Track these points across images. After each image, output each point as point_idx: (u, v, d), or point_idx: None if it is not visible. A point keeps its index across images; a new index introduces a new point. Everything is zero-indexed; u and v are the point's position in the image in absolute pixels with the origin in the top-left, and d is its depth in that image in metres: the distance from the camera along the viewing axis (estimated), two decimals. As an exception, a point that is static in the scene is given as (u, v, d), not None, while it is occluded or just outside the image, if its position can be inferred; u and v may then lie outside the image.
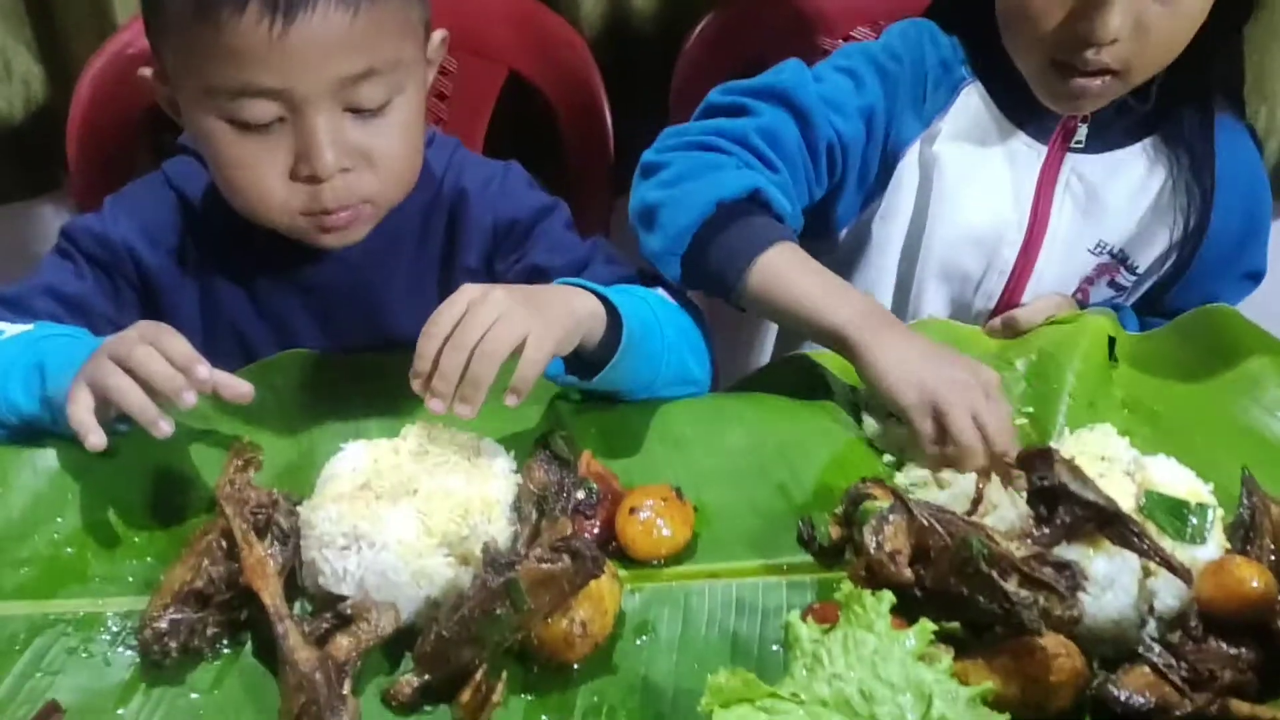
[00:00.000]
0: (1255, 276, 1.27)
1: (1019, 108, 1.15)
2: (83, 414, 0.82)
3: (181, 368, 0.82)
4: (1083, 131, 1.15)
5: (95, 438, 0.82)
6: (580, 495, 0.86)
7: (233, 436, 0.92)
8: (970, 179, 1.17)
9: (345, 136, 0.93)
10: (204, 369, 0.82)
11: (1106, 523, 0.77)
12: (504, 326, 0.81)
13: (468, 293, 0.82)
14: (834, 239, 1.23)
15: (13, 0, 1.45)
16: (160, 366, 0.81)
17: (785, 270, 1.00)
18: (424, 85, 1.00)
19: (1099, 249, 1.20)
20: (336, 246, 1.01)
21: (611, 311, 0.90)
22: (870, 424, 0.99)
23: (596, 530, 0.86)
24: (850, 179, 1.17)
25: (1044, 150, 1.16)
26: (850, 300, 0.99)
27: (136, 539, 0.87)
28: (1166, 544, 0.80)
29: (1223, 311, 1.09)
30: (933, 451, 0.92)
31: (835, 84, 1.14)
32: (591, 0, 1.49)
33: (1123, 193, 1.18)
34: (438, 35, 1.02)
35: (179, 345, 0.83)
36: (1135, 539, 0.77)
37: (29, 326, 0.96)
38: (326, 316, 1.09)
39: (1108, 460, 0.87)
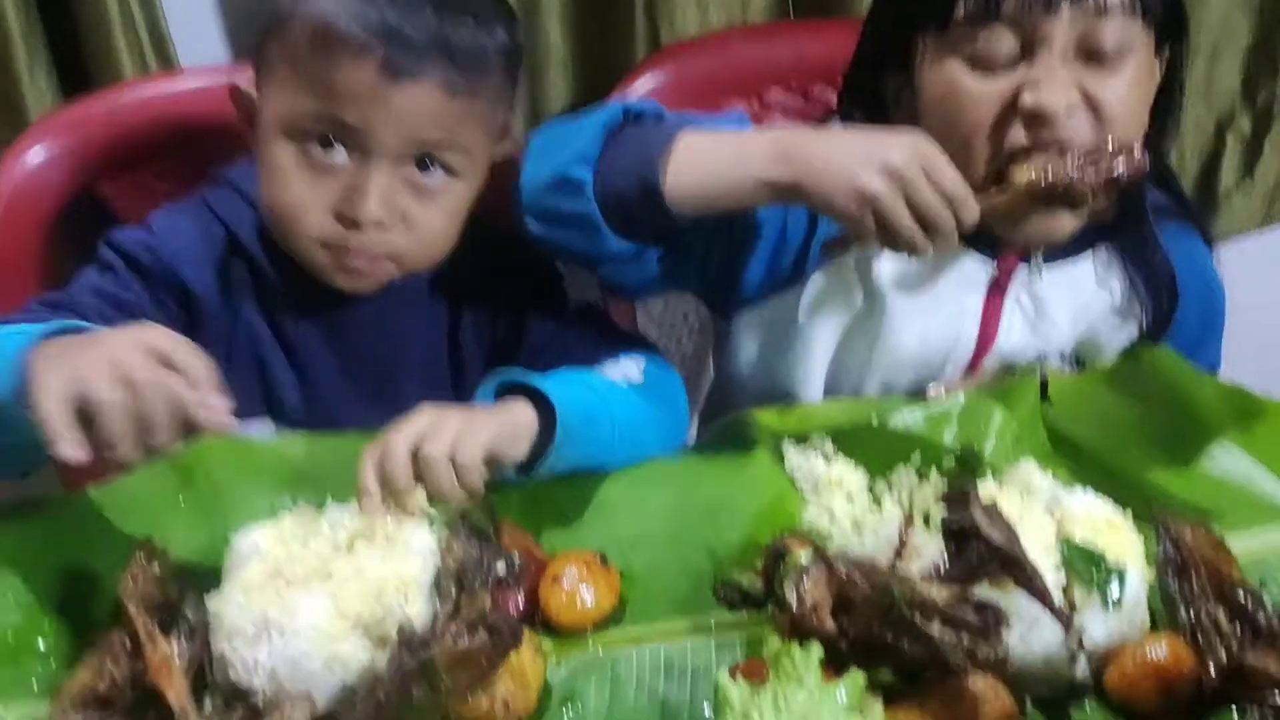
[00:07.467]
0: (1211, 371, 1.17)
1: None
2: (57, 410, 0.71)
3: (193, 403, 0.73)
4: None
5: (70, 450, 0.70)
6: (501, 567, 0.84)
7: (143, 533, 0.89)
8: (916, 299, 1.08)
9: (395, 197, 0.96)
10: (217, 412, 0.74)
11: (1006, 564, 0.76)
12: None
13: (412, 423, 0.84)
14: (730, 312, 1.14)
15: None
16: (162, 411, 0.72)
17: (704, 141, 0.94)
18: (481, 179, 1.02)
19: (1040, 359, 1.13)
20: (347, 290, 1.02)
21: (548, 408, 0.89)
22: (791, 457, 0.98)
23: (521, 602, 0.84)
24: (762, 249, 1.07)
25: (993, 266, 1.08)
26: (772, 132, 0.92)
27: (41, 643, 0.83)
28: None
29: (1156, 352, 1.05)
30: (887, 246, 0.91)
31: None
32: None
33: (1073, 305, 1.11)
34: (510, 141, 1.04)
35: (197, 375, 0.74)
36: (1027, 581, 0.76)
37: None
38: (345, 360, 1.08)
39: (1029, 496, 0.88)
